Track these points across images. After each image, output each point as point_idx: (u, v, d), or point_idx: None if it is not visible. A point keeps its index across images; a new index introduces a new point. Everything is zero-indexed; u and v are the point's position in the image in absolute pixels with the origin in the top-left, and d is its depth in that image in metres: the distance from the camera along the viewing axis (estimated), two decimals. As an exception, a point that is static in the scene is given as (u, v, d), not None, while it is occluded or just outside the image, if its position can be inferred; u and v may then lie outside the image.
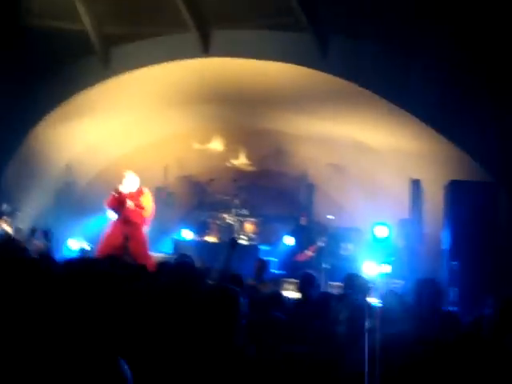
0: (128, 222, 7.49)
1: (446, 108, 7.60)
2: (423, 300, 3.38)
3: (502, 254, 7.06)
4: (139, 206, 7.54)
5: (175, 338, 2.93)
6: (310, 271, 5.23)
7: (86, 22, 8.84)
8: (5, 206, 9.27)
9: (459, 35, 6.89)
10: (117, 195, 7.52)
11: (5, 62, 8.64)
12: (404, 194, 9.60)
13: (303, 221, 10.49)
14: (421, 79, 7.56)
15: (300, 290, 5.06)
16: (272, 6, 7.95)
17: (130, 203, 7.46)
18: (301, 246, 10.01)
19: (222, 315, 2.82)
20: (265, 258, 6.60)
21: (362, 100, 8.15)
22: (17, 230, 8.89)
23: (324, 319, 3.85)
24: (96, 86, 9.42)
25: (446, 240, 7.77)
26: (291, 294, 6.92)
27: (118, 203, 7.54)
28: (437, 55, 7.03)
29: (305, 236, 10.22)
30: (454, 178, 7.80)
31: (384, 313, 2.81)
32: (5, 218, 9.13)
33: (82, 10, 8.68)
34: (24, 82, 9.08)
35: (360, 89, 7.94)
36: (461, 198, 7.43)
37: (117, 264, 5.11)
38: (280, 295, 4.70)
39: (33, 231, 6.90)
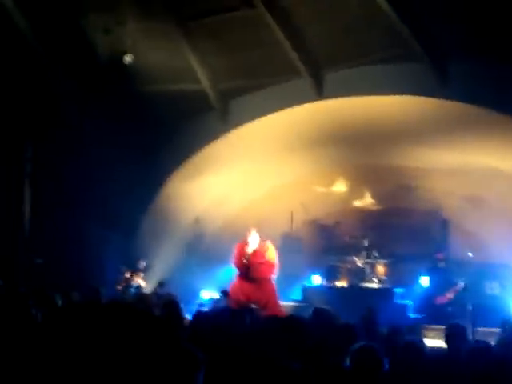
0: (256, 277, 7.58)
1: None
2: None
3: None
4: (266, 264, 7.61)
5: None
6: (458, 322, 4.72)
7: (204, 80, 9.22)
8: (142, 262, 9.77)
9: None
10: (245, 261, 7.63)
11: (132, 125, 9.26)
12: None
13: (440, 259, 9.78)
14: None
15: (446, 341, 4.56)
16: (382, 40, 7.72)
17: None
18: (439, 286, 9.31)
19: None
20: (371, 308, 5.93)
21: (491, 125, 7.52)
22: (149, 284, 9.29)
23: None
24: (217, 140, 9.73)
25: None
26: (433, 342, 6.37)
27: (246, 266, 7.66)
28: None
29: (443, 276, 9.51)
30: None
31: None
32: (141, 273, 9.61)
33: (199, 70, 9.09)
34: (150, 143, 9.64)
35: (487, 113, 7.33)
36: None
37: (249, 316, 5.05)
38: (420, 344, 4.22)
39: (161, 284, 7.18)
